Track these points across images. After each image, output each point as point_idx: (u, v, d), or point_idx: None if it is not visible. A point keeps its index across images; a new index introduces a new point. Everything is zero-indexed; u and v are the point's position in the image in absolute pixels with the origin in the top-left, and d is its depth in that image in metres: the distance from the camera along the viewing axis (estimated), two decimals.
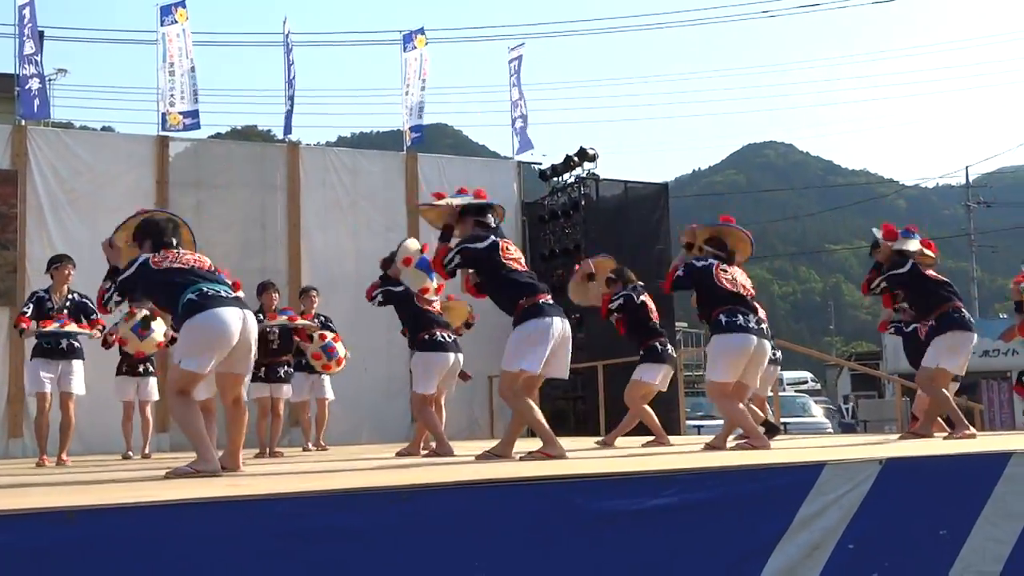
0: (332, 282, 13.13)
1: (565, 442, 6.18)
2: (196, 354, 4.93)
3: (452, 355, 7.85)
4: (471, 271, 6.20)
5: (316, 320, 9.99)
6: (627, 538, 3.68)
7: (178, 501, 3.14)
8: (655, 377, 8.57)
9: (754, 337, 6.61)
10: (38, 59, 12.47)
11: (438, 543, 3.38)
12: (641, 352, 8.69)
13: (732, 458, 4.96)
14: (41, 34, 12.79)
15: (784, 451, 5.91)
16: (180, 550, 3.01)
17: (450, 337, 7.94)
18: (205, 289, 5.02)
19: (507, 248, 6.05)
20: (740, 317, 6.60)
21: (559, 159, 15.62)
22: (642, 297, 8.67)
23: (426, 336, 7.79)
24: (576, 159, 15.24)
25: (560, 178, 15.70)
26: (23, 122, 12.53)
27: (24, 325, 8.37)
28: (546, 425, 5.89)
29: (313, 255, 13.60)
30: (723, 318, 6.60)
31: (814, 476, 4.10)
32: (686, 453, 6.41)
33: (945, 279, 7.65)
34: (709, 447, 6.86)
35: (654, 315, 8.77)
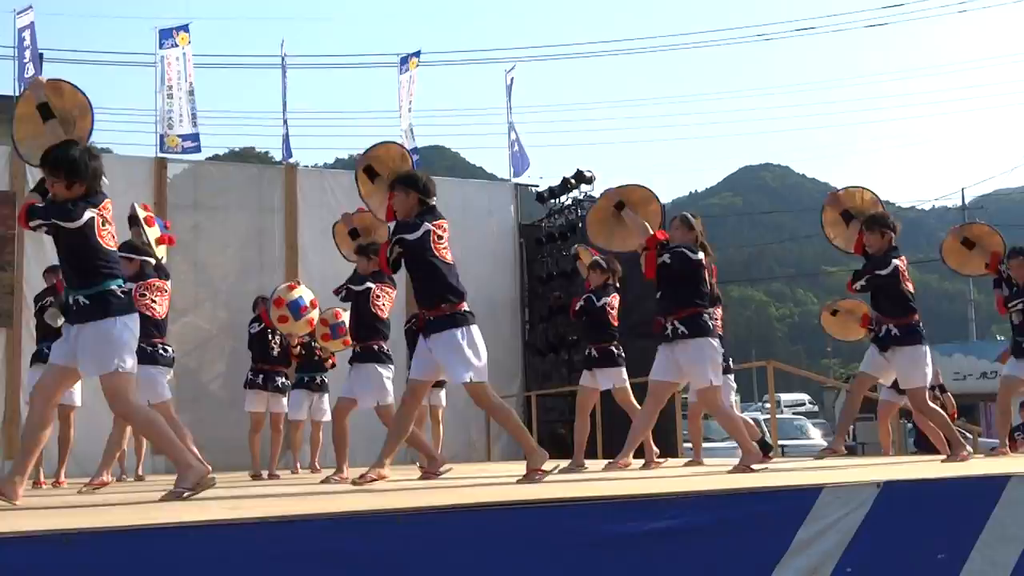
0: (329, 304, 13.11)
1: (559, 464, 6.16)
2: (129, 354, 4.74)
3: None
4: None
5: None
6: (623, 562, 3.66)
7: (177, 524, 3.14)
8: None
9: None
10: None
11: (434, 567, 3.37)
12: (595, 354, 8.36)
13: (729, 481, 4.95)
14: (41, 56, 12.83)
15: (782, 474, 5.89)
16: (179, 573, 3.00)
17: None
18: (126, 287, 4.84)
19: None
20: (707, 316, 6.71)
21: (556, 181, 15.67)
22: (604, 299, 8.36)
23: (375, 347, 7.49)
24: (573, 181, 15.28)
25: (557, 200, 15.74)
26: None
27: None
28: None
29: (310, 277, 13.56)
30: (708, 320, 6.65)
31: (811, 499, 4.09)
32: (683, 476, 6.40)
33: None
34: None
35: (614, 319, 8.50)
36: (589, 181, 15.14)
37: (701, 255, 6.72)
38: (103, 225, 4.77)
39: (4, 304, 11.89)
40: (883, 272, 7.17)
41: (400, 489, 5.72)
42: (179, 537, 3.08)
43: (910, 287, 7.26)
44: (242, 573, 3.08)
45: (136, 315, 4.85)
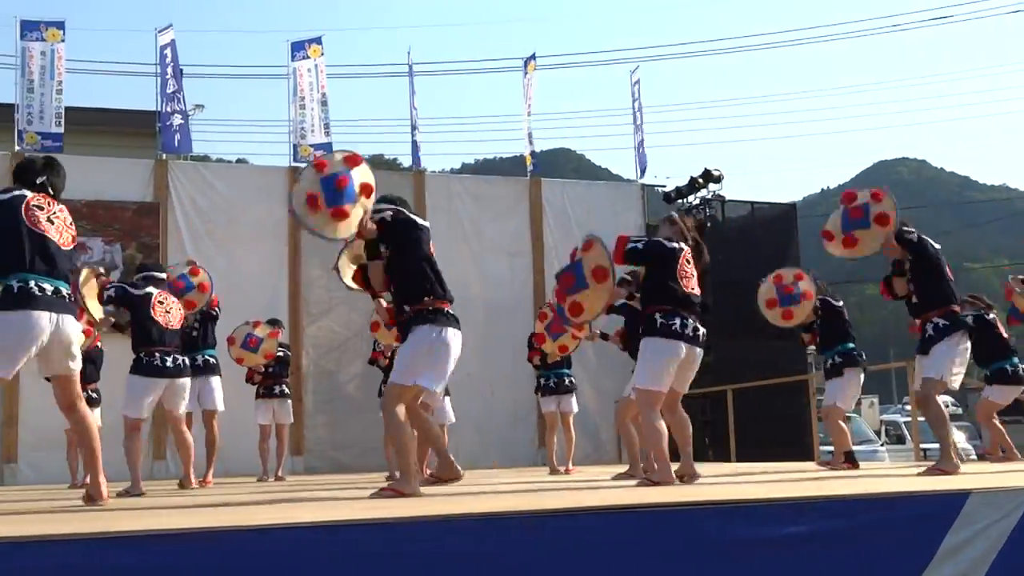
0: (458, 308, 13.24)
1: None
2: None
3: None
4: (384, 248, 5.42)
5: None
6: (761, 568, 3.60)
7: (316, 523, 3.22)
8: None
9: (684, 345, 5.77)
10: (180, 96, 13.03)
11: (570, 569, 3.37)
12: None
13: (871, 485, 4.82)
14: (181, 72, 13.36)
15: (926, 478, 5.69)
16: (316, 571, 3.07)
17: None
18: (31, 283, 4.71)
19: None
20: (678, 320, 5.78)
21: (684, 181, 15.50)
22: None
23: None
24: (701, 180, 15.08)
25: (685, 200, 15.55)
26: (164, 156, 13.09)
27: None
28: (411, 458, 5.23)
29: None
30: (659, 318, 5.79)
31: (959, 504, 3.94)
32: (822, 479, 6.24)
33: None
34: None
35: None
36: (717, 180, 14.92)
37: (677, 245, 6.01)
38: (35, 207, 4.91)
39: None
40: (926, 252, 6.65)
41: (530, 491, 5.75)
42: (317, 536, 3.16)
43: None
44: (375, 573, 3.14)
45: (34, 313, 4.72)
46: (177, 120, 12.92)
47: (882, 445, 18.46)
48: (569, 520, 3.50)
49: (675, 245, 5.99)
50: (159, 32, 13.21)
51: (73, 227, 5.06)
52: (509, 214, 14.36)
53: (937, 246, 6.79)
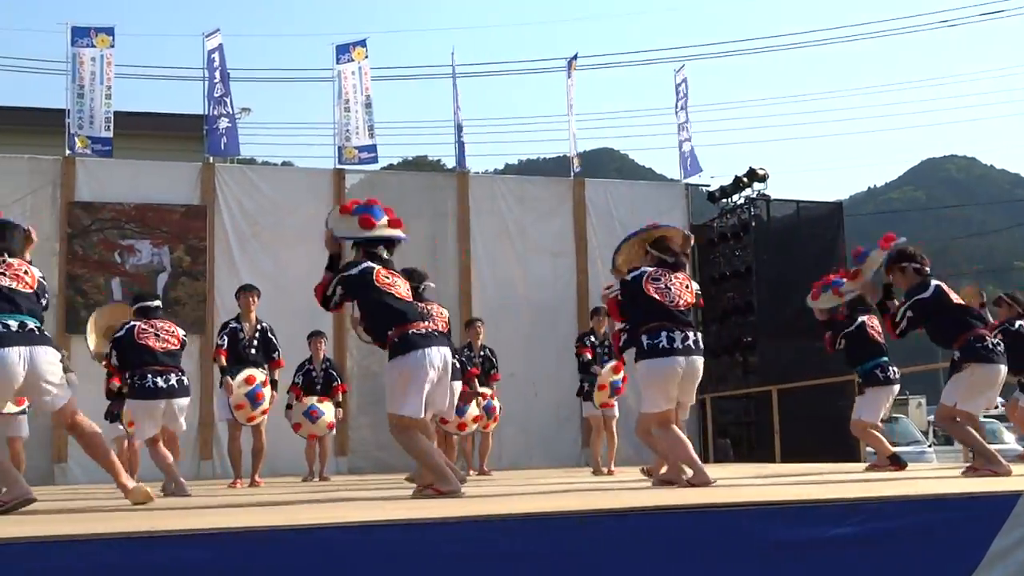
0: (503, 308, 13.33)
1: (736, 469, 6.05)
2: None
3: None
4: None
5: (481, 352, 10.10)
6: (805, 570, 3.57)
7: (355, 523, 3.25)
8: None
9: (681, 358, 5.73)
10: (227, 100, 13.17)
11: (613, 568, 3.36)
12: None
13: (915, 487, 4.76)
14: (228, 75, 13.50)
15: (974, 480, 5.61)
16: (356, 571, 3.10)
17: None
18: None
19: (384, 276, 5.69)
20: (664, 335, 5.73)
21: (728, 180, 15.40)
22: None
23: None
24: (745, 180, 14.98)
25: (729, 199, 15.46)
26: (211, 159, 13.24)
27: (223, 359, 8.64)
28: (437, 458, 5.42)
29: (483, 281, 13.81)
30: (645, 340, 5.80)
31: (1009, 506, 3.88)
32: (868, 481, 6.17)
33: (964, 304, 6.82)
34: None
35: None
36: (762, 179, 14.81)
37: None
38: None
39: (197, 312, 12.54)
40: (926, 295, 6.58)
41: (579, 491, 5.75)
42: (357, 536, 3.19)
43: (957, 302, 6.69)
44: (418, 572, 3.16)
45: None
46: (224, 123, 13.07)
47: (930, 446, 18.21)
48: (613, 520, 3.49)
49: (633, 274, 5.97)
50: (206, 36, 13.37)
51: (28, 275, 5.10)
52: (553, 215, 14.34)
53: (926, 295, 6.63)
